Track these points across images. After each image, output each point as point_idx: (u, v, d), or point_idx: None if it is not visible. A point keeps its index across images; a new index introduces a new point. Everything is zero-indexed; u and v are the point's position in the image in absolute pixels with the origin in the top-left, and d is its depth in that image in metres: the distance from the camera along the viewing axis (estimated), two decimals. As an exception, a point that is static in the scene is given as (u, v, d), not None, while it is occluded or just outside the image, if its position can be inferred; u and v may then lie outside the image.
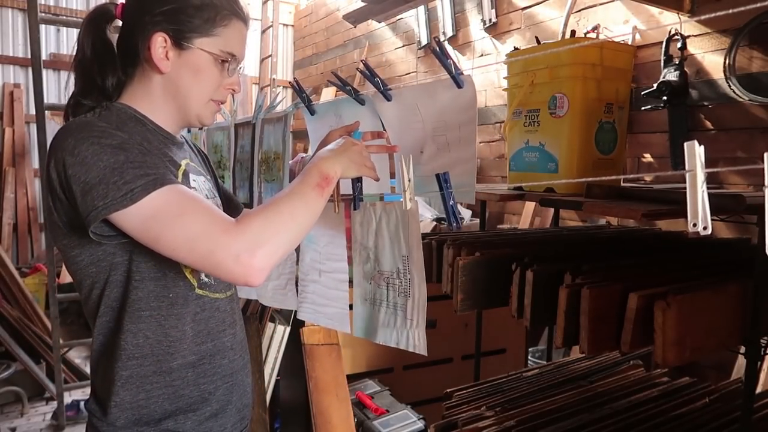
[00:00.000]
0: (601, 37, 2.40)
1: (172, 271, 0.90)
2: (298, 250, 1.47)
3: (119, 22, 0.95)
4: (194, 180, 0.98)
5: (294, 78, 1.53)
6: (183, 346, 0.93)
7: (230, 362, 1.01)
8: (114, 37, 0.95)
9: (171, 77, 0.92)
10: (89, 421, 0.94)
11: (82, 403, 3.17)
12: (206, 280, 0.97)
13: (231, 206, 1.22)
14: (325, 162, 0.92)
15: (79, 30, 0.95)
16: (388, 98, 1.19)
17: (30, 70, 2.99)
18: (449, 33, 3.62)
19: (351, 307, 1.31)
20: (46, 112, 2.81)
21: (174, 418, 0.90)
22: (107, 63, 0.92)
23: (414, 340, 1.13)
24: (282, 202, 0.84)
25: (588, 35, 2.45)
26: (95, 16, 0.94)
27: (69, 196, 0.80)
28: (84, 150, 0.78)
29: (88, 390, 2.86)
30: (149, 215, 0.77)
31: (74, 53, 0.94)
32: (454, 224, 1.03)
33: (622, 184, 1.74)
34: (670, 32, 2.13)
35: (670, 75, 2.09)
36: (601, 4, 2.55)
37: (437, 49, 1.01)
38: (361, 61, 1.17)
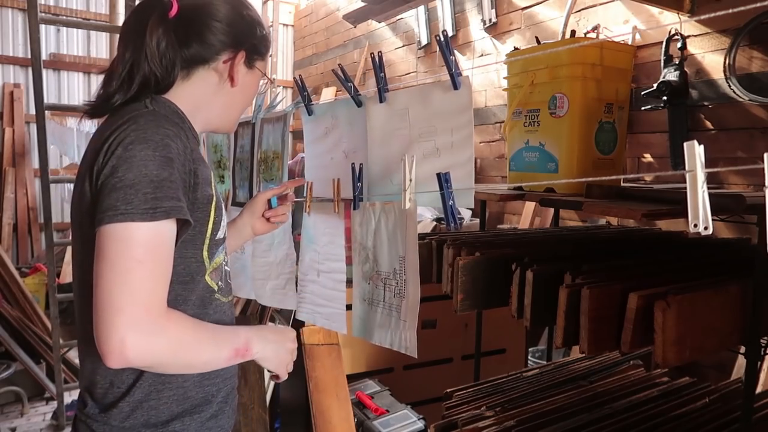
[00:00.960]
0: (601, 37, 2.40)
1: (199, 275, 0.91)
2: (298, 250, 1.47)
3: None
4: (215, 183, 1.01)
5: (299, 75, 1.53)
6: None
7: (230, 367, 1.01)
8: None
9: (235, 90, 1.00)
10: (83, 424, 0.89)
11: (82, 403, 3.17)
12: (221, 284, 0.99)
13: None
14: (258, 340, 0.95)
15: (132, 17, 0.94)
16: (382, 99, 1.19)
17: (30, 70, 3.00)
18: (449, 33, 3.62)
19: (349, 307, 1.31)
20: (46, 112, 2.81)
21: (180, 420, 0.91)
22: (175, 61, 0.92)
23: (405, 341, 1.13)
24: (206, 336, 0.86)
25: (588, 35, 2.45)
26: (165, 10, 0.91)
27: (98, 183, 0.79)
28: (137, 150, 0.78)
29: (88, 390, 2.85)
30: (133, 238, 0.75)
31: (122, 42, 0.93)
32: (453, 224, 1.03)
33: (622, 184, 1.74)
34: (670, 32, 2.13)
35: (670, 75, 2.09)
36: (601, 4, 2.55)
37: (443, 41, 1.01)
38: (371, 54, 1.18)
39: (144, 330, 0.74)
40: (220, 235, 0.95)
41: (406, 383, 2.25)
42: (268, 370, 1.03)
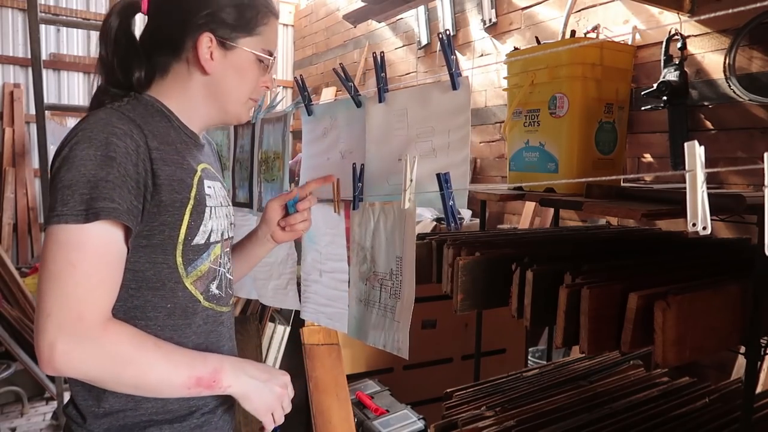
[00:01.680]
0: (601, 37, 2.40)
1: (172, 281, 0.86)
2: (299, 250, 1.47)
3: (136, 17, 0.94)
4: (210, 187, 0.93)
5: (300, 75, 1.52)
6: None
7: None
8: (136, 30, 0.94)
9: (215, 78, 0.91)
10: (67, 426, 0.88)
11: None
12: (216, 292, 0.94)
13: None
14: (234, 373, 0.85)
15: (105, 21, 0.91)
16: (382, 99, 1.19)
17: (30, 70, 2.99)
18: (450, 33, 3.62)
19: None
20: (46, 112, 2.81)
21: (159, 427, 0.86)
22: (132, 57, 0.89)
23: (398, 342, 1.12)
24: (154, 354, 0.78)
25: (588, 35, 2.45)
26: (121, 9, 0.91)
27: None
28: (79, 150, 0.76)
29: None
30: (67, 241, 0.72)
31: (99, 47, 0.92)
32: (453, 224, 1.03)
33: (622, 184, 1.74)
34: (670, 32, 2.13)
35: (670, 75, 2.09)
36: (601, 4, 2.55)
37: (445, 41, 1.01)
38: (373, 54, 1.17)
39: (73, 337, 0.71)
40: (198, 240, 0.88)
41: (406, 383, 2.25)
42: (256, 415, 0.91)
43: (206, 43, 0.88)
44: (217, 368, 0.83)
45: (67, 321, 0.71)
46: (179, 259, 0.86)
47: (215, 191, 0.95)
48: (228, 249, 1.01)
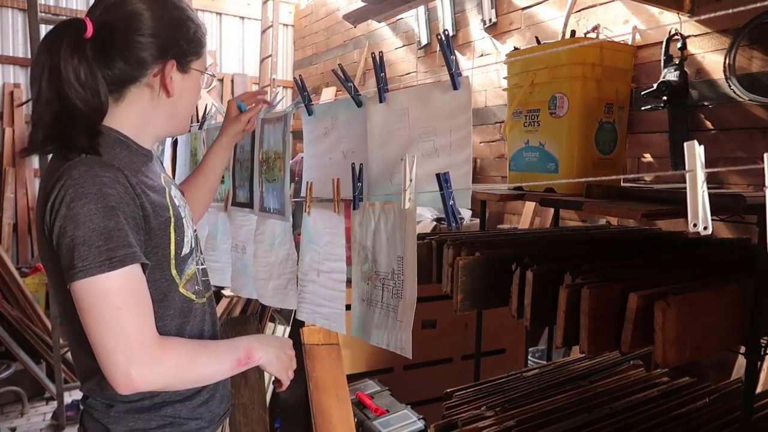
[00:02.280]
0: (601, 37, 2.40)
1: (171, 291, 0.96)
2: (299, 250, 1.47)
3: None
4: (174, 196, 1.00)
5: (299, 75, 1.53)
6: None
7: None
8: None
9: (176, 98, 0.97)
10: (87, 413, 0.97)
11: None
12: (198, 288, 1.02)
13: None
14: (260, 346, 1.01)
15: (45, 54, 0.85)
16: (382, 99, 1.19)
17: (30, 70, 2.99)
18: (449, 33, 3.62)
19: (348, 307, 1.31)
20: (46, 112, 2.81)
21: (172, 406, 0.97)
22: (101, 88, 0.87)
23: (401, 341, 1.13)
24: (203, 354, 0.92)
25: (588, 35, 2.45)
26: (76, 37, 0.85)
27: (52, 241, 0.82)
28: (79, 207, 0.79)
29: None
30: (104, 290, 0.79)
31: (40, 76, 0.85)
32: (453, 224, 1.03)
33: (622, 184, 1.74)
34: (670, 32, 2.13)
35: (670, 75, 2.09)
36: (601, 4, 2.55)
37: (444, 41, 1.01)
38: (372, 54, 1.17)
39: (143, 362, 0.81)
40: (185, 250, 0.98)
41: (406, 383, 2.25)
42: (273, 377, 1.09)
43: (169, 68, 0.94)
44: (248, 347, 0.99)
45: (133, 352, 0.81)
46: (174, 271, 0.95)
47: (178, 197, 1.03)
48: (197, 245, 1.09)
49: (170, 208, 0.94)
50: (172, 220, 0.94)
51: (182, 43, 0.95)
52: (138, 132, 0.96)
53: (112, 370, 0.80)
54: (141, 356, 0.81)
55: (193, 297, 1.00)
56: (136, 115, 0.95)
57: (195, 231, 1.08)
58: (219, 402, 1.07)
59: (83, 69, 0.85)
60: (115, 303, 0.80)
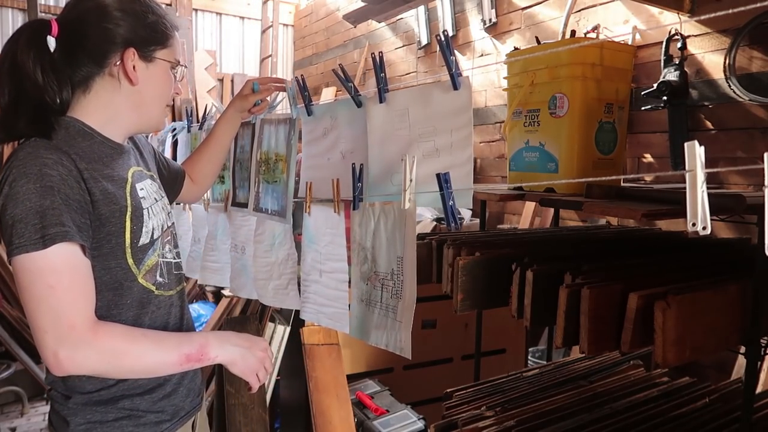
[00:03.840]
0: (601, 37, 2.41)
1: (128, 281, 0.96)
2: (300, 250, 1.47)
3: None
4: (141, 189, 1.01)
5: (300, 75, 1.53)
6: None
7: None
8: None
9: (138, 89, 0.98)
10: (51, 406, 0.99)
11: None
12: (160, 280, 1.02)
13: (172, 173, 1.31)
14: (218, 344, 0.96)
15: (8, 47, 0.93)
16: (382, 99, 1.19)
17: None
18: (449, 33, 3.62)
19: (348, 307, 1.31)
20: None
21: (131, 399, 0.97)
22: (61, 80, 0.93)
23: (400, 342, 1.13)
24: (144, 343, 0.89)
25: (588, 35, 2.45)
26: (35, 32, 0.93)
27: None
28: (19, 186, 0.82)
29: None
30: (38, 267, 0.81)
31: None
32: (453, 225, 1.03)
33: (622, 184, 1.74)
34: (670, 32, 2.13)
35: (670, 75, 2.09)
36: (601, 4, 2.55)
37: (443, 41, 1.01)
38: (372, 54, 1.17)
39: (71, 344, 0.81)
40: (144, 240, 0.98)
41: (406, 383, 2.25)
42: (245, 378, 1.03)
43: (130, 57, 0.96)
44: (202, 344, 0.94)
45: (62, 333, 0.80)
46: (130, 261, 0.96)
47: (147, 190, 1.03)
48: (169, 237, 1.09)
49: (127, 198, 0.96)
50: (128, 210, 0.95)
51: (141, 32, 0.97)
52: (104, 124, 0.98)
53: (42, 349, 0.80)
54: (70, 337, 0.80)
55: (153, 288, 1.00)
56: (102, 107, 0.97)
57: (169, 226, 1.09)
58: (184, 396, 1.06)
59: (46, 65, 0.91)
60: (49, 281, 0.80)
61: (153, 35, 0.99)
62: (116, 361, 0.85)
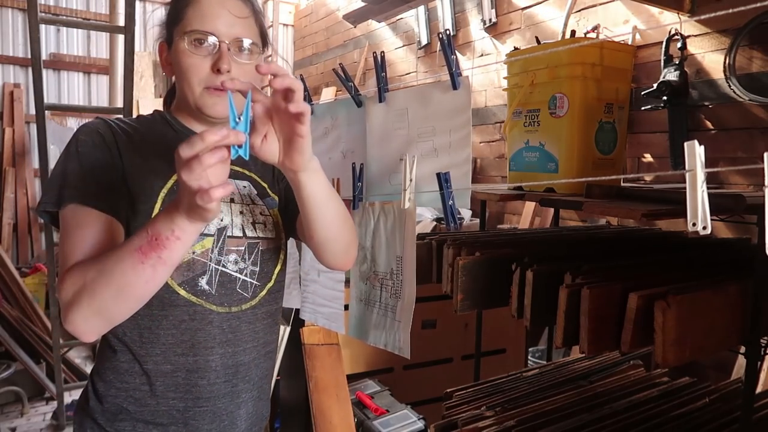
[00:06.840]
0: (601, 37, 2.40)
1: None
2: (301, 249, 1.47)
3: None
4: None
5: (300, 75, 1.52)
6: (156, 351, 0.91)
7: (209, 384, 0.93)
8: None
9: (176, 76, 0.97)
10: (79, 405, 1.00)
11: (82, 403, 3.17)
12: (205, 287, 0.91)
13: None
14: (162, 218, 0.75)
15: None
16: (382, 99, 1.19)
17: (30, 70, 3.00)
18: (450, 33, 3.62)
19: (346, 307, 1.31)
20: (46, 112, 2.81)
21: (133, 425, 0.92)
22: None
23: (399, 342, 1.13)
24: (99, 263, 0.78)
25: (588, 35, 2.45)
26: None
27: None
28: (65, 148, 0.92)
29: (88, 390, 2.86)
30: (63, 221, 0.88)
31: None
32: (452, 224, 1.03)
33: (622, 184, 1.74)
34: (670, 32, 2.13)
35: (670, 75, 2.09)
36: (601, 4, 2.55)
37: (445, 40, 1.01)
38: (373, 53, 1.17)
39: (59, 295, 0.82)
40: None
41: (406, 383, 2.25)
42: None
43: (162, 50, 1.00)
44: (148, 230, 0.75)
45: (62, 270, 0.84)
46: None
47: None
48: (239, 247, 0.95)
49: (170, 180, 0.93)
50: (165, 190, 0.92)
51: (165, 21, 0.99)
52: (181, 113, 1.02)
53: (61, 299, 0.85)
54: (58, 288, 0.82)
55: (180, 289, 0.89)
56: (177, 98, 1.03)
57: (238, 238, 0.96)
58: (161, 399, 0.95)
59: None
60: (66, 233, 0.86)
61: (169, 18, 0.97)
62: (87, 299, 0.77)
